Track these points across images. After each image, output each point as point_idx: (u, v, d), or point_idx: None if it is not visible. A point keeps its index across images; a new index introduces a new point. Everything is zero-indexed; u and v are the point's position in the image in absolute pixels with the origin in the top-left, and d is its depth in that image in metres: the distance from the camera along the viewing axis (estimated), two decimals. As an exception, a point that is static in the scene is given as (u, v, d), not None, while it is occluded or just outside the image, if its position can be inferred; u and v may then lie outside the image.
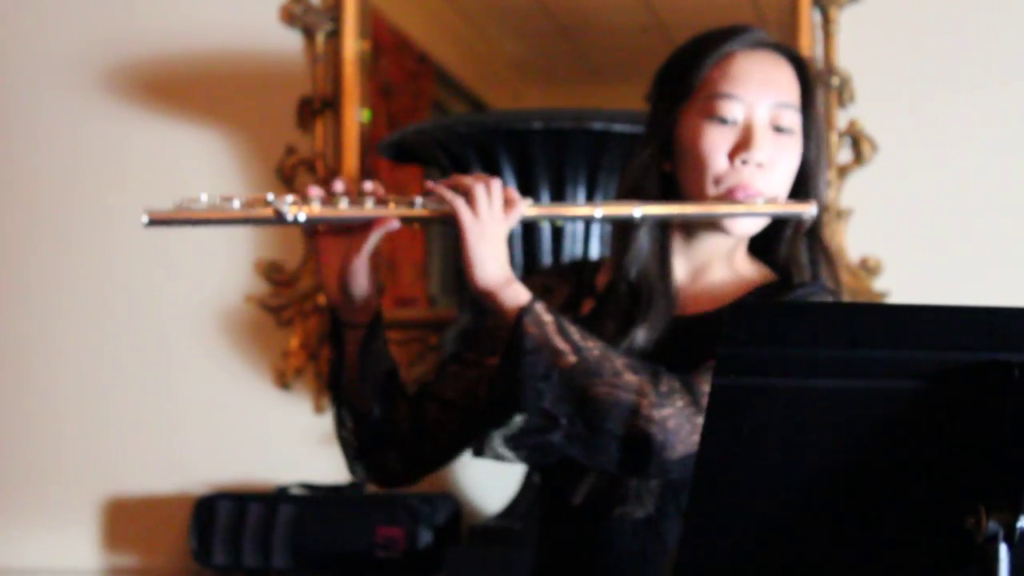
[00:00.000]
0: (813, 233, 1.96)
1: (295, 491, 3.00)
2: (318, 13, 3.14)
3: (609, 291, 1.96)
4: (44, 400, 3.23)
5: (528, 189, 2.75)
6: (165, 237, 3.20)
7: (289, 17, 3.15)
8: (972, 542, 1.36)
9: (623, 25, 3.21)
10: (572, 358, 1.77)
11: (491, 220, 1.81)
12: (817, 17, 3.00)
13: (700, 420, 1.73)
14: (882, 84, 3.00)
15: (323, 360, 3.12)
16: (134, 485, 3.18)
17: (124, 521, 3.18)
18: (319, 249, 1.89)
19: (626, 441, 1.75)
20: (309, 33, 3.15)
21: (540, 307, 1.80)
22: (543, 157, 2.73)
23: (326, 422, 3.11)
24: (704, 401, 1.73)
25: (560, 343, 1.78)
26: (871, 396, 1.33)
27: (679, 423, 1.75)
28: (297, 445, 3.12)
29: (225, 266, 3.17)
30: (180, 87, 3.21)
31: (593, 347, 1.79)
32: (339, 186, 1.86)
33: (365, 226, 1.84)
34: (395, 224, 1.84)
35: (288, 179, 3.13)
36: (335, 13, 3.13)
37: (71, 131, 3.24)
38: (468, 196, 1.82)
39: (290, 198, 1.83)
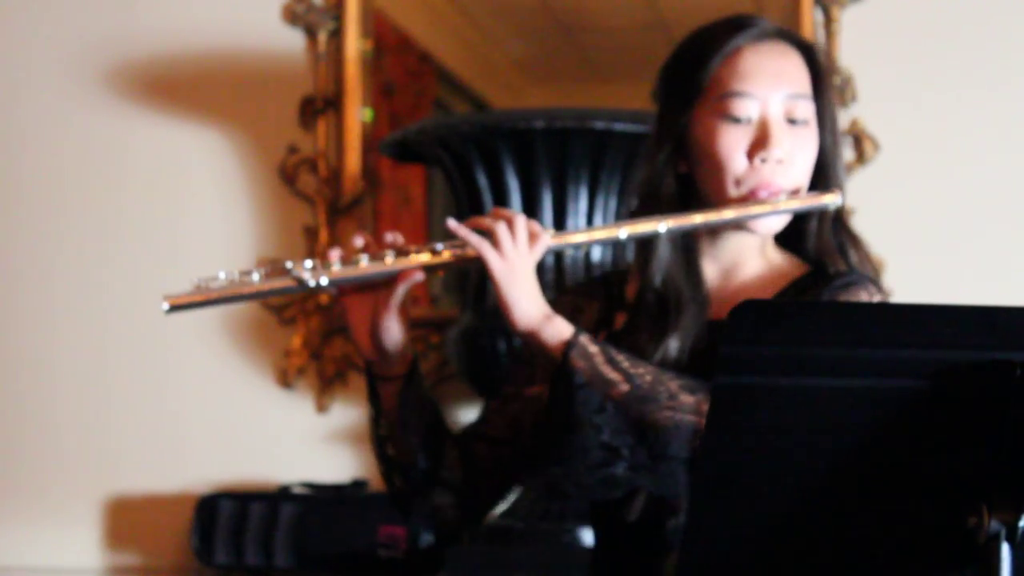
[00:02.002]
0: (838, 220, 1.93)
1: (297, 490, 3.00)
2: (320, 12, 3.14)
3: (638, 302, 1.94)
4: (46, 399, 3.23)
5: (530, 188, 2.75)
6: (167, 236, 3.20)
7: (291, 16, 3.16)
8: (974, 541, 1.36)
9: (625, 24, 3.21)
10: (625, 387, 1.74)
11: (518, 258, 1.78)
12: (819, 16, 3.00)
13: None
14: (884, 83, 3.00)
15: (325, 360, 3.12)
16: (136, 484, 3.18)
17: (126, 520, 3.18)
18: (345, 308, 1.85)
19: (692, 463, 1.73)
20: (311, 32, 3.15)
21: (585, 339, 1.77)
22: (545, 156, 2.73)
23: (328, 421, 3.12)
24: None
25: (611, 373, 1.75)
26: (873, 395, 1.33)
27: None
28: (299, 444, 3.12)
29: (227, 265, 3.15)
30: (182, 86, 3.21)
31: (644, 372, 1.76)
32: (358, 241, 1.83)
33: (390, 281, 1.81)
34: (419, 276, 1.80)
35: (290, 178, 3.14)
36: (337, 12, 3.14)
37: (73, 130, 3.24)
38: (491, 237, 1.79)
39: (309, 263, 1.79)
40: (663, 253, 1.88)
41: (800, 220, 1.92)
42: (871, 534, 1.41)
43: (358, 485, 3.00)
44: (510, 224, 1.80)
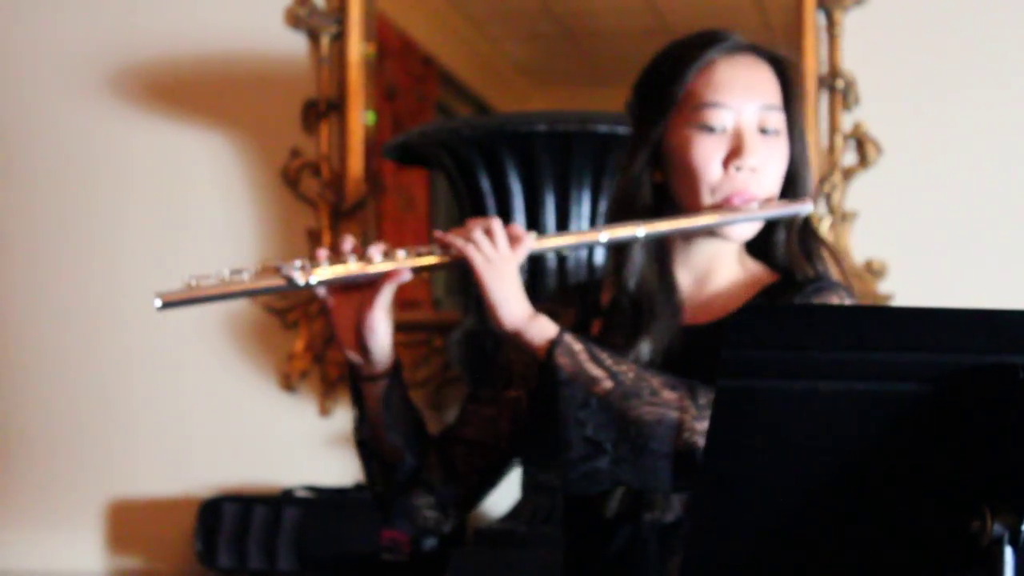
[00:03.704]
0: (806, 229, 1.97)
1: (300, 494, 3.00)
2: (323, 16, 3.14)
3: (613, 308, 1.97)
4: (49, 403, 3.23)
5: (533, 192, 2.75)
6: (170, 239, 3.20)
7: (294, 20, 3.16)
8: (977, 545, 1.36)
9: (627, 28, 3.21)
10: (608, 383, 1.78)
11: (501, 260, 1.82)
12: (822, 20, 3.00)
13: None
14: (887, 87, 3.00)
15: (328, 363, 3.13)
16: (139, 488, 3.18)
17: (129, 523, 3.19)
18: (330, 307, 1.87)
19: (674, 458, 1.76)
20: (314, 36, 3.15)
21: (569, 338, 1.81)
22: (548, 160, 2.73)
23: (331, 425, 3.12)
24: None
25: (594, 370, 1.79)
26: (876, 399, 1.33)
27: None
28: (302, 448, 3.12)
29: (230, 268, 3.17)
30: (185, 90, 3.21)
31: (627, 370, 1.80)
32: (347, 244, 1.86)
33: (376, 281, 1.84)
34: (406, 276, 1.84)
35: (293, 181, 3.14)
36: (340, 16, 3.14)
37: (77, 134, 3.24)
38: (473, 242, 1.83)
39: (298, 263, 1.83)
40: (637, 259, 1.94)
41: (769, 230, 1.98)
42: (874, 537, 1.42)
43: (361, 488, 3.00)
44: (488, 230, 1.84)
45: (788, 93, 1.95)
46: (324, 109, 3.14)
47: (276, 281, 1.83)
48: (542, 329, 1.82)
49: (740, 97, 1.90)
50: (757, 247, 2.00)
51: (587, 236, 1.93)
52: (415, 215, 3.32)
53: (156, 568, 3.16)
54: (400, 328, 2.47)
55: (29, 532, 3.21)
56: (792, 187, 1.96)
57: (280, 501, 2.94)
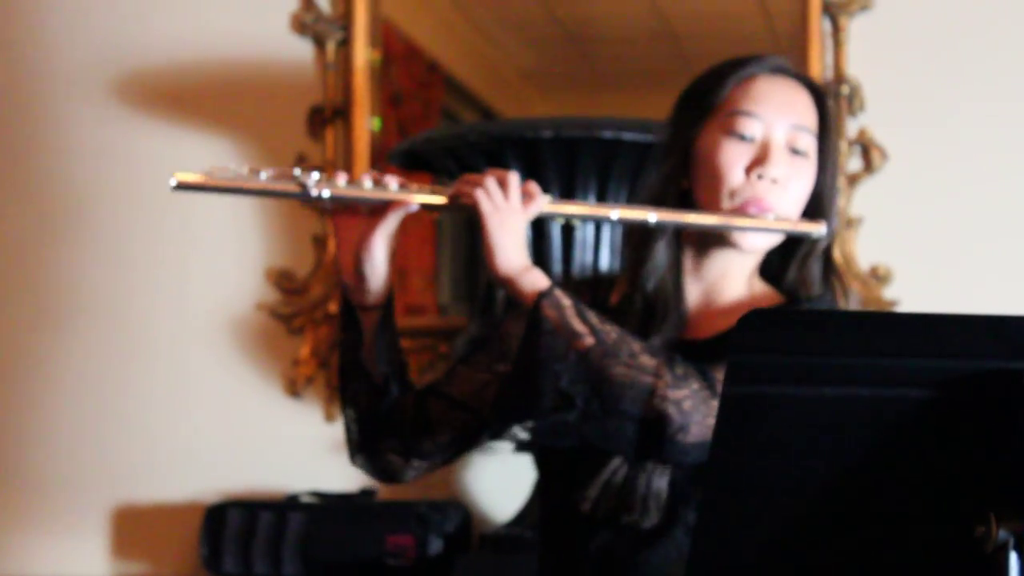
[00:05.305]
0: (824, 257, 1.99)
1: (305, 499, 3.00)
2: (328, 22, 3.15)
3: (622, 304, 1.99)
4: (54, 407, 3.23)
5: (538, 197, 2.75)
6: (175, 244, 3.20)
7: (300, 26, 3.16)
8: (982, 551, 1.36)
9: (632, 33, 3.21)
10: (590, 340, 1.81)
11: (509, 210, 1.87)
12: (827, 25, 3.00)
13: (715, 403, 1.76)
14: (892, 92, 3.00)
15: (334, 369, 3.12)
16: (144, 493, 3.18)
17: (134, 529, 3.19)
18: (337, 227, 1.92)
19: (642, 422, 1.77)
20: (319, 42, 3.15)
21: (559, 292, 1.84)
22: (553, 165, 2.73)
23: (337, 430, 3.12)
24: (718, 387, 1.76)
25: (578, 325, 1.82)
26: (880, 404, 1.33)
27: (695, 404, 1.78)
28: (307, 453, 3.12)
29: (236, 274, 3.18)
30: (191, 96, 3.22)
31: (610, 330, 1.83)
32: (366, 175, 1.91)
33: (385, 207, 1.88)
34: (414, 206, 1.87)
35: (298, 187, 3.14)
36: (345, 22, 3.14)
37: (83, 140, 3.24)
38: (484, 189, 1.88)
39: (316, 175, 1.86)
40: (659, 259, 1.97)
41: (787, 252, 1.99)
42: (878, 542, 1.42)
43: (366, 494, 3.00)
44: (503, 180, 1.89)
45: (824, 123, 2.00)
46: (330, 115, 3.14)
47: (291, 187, 1.86)
48: (534, 280, 1.85)
49: (773, 111, 1.95)
50: (773, 272, 2.02)
51: (600, 210, 1.98)
52: (420, 221, 3.32)
53: (161, 573, 3.16)
54: (406, 334, 2.47)
55: (33, 537, 3.21)
56: (814, 214, 1.99)
57: (285, 507, 2.94)
